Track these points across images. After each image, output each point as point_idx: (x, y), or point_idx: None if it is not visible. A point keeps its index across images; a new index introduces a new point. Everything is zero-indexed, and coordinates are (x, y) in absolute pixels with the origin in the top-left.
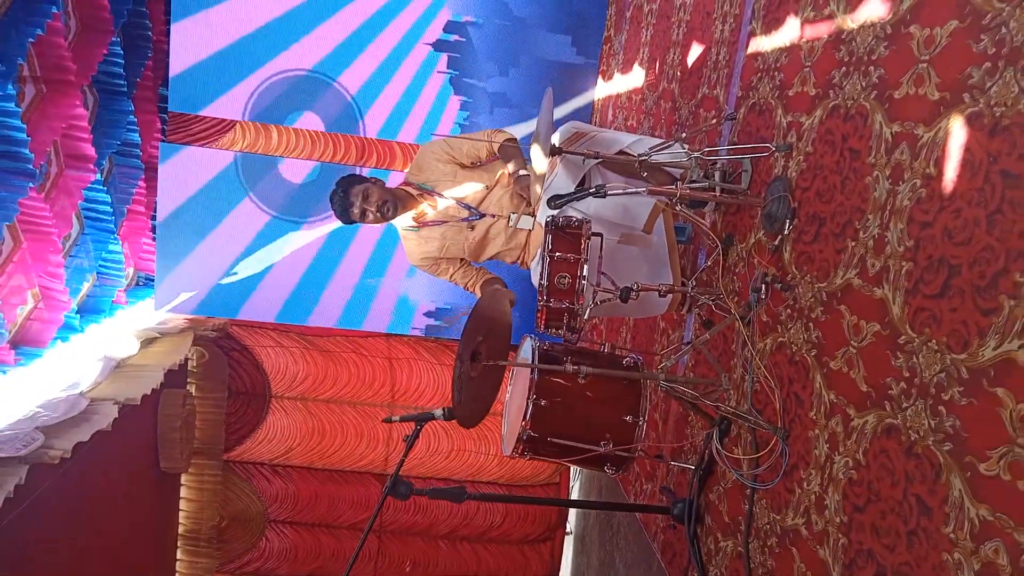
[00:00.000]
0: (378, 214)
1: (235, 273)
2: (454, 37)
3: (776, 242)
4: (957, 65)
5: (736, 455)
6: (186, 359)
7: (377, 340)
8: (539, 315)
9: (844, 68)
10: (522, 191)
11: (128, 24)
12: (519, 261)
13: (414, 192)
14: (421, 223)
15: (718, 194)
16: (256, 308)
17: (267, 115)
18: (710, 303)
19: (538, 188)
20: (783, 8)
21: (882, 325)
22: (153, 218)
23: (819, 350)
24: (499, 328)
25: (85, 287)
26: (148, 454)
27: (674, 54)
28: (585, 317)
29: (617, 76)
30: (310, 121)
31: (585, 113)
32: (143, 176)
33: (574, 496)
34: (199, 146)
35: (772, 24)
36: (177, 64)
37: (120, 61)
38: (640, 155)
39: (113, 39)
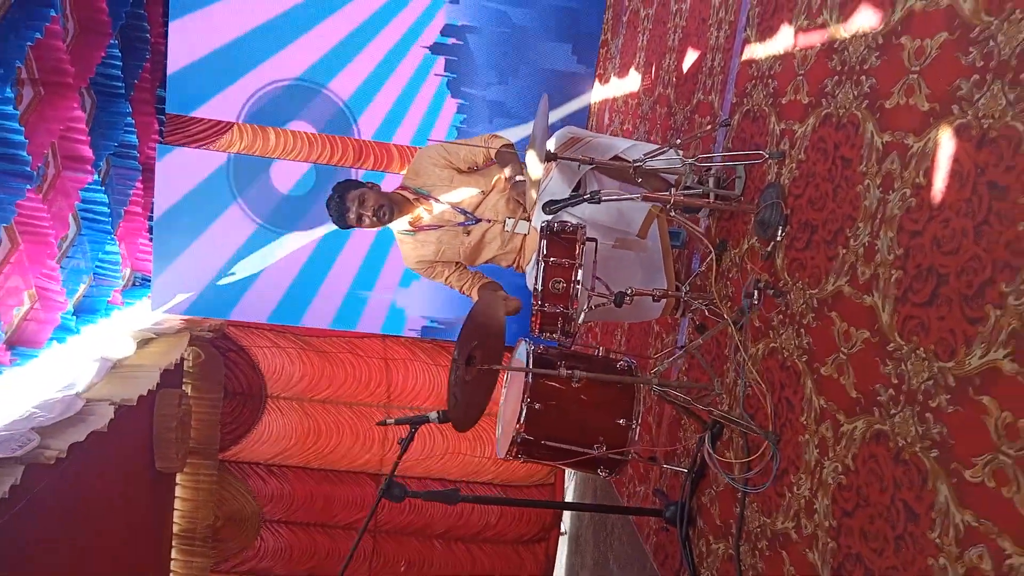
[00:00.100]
0: (374, 218)
1: (232, 274)
2: (451, 40)
3: (769, 248)
4: (946, 77)
5: (728, 459)
6: (182, 359)
7: (373, 341)
8: (534, 319)
9: (836, 77)
10: (518, 196)
11: (126, 26)
12: (515, 265)
13: (410, 196)
14: (417, 227)
15: (712, 200)
16: (248, 309)
17: (261, 121)
18: (703, 308)
19: (533, 193)
20: (777, 16)
21: (872, 332)
22: (150, 218)
23: (810, 356)
24: (493, 332)
25: (81, 288)
26: (144, 454)
27: (670, 59)
28: (580, 321)
29: (614, 80)
30: (302, 128)
31: (581, 117)
32: (140, 177)
33: (569, 496)
34: (196, 148)
35: (766, 32)
36: (175, 62)
37: (118, 63)
38: (635, 161)
39: (111, 41)
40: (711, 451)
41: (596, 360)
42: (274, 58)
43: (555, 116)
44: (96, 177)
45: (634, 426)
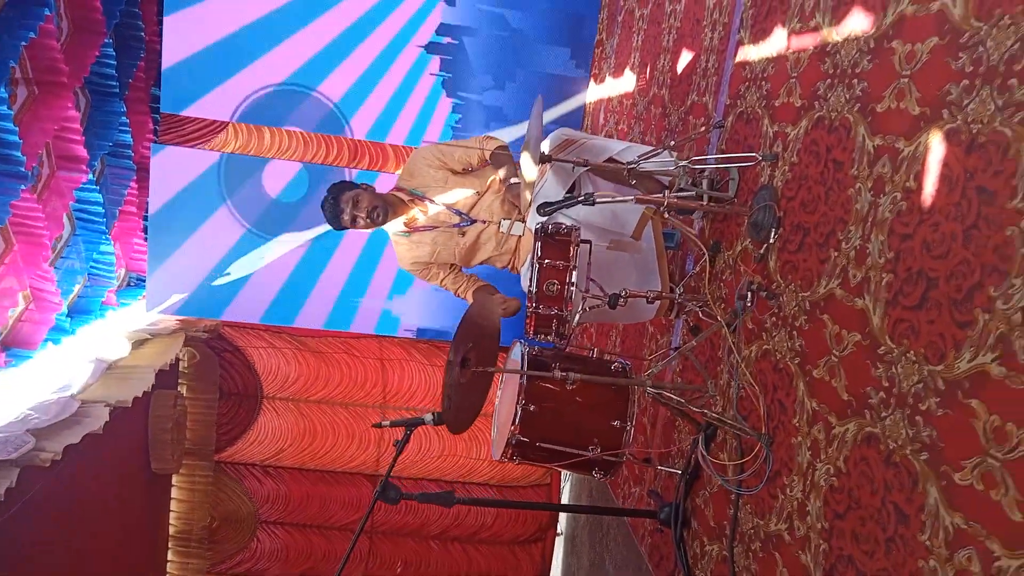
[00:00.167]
0: (368, 220)
1: (228, 274)
2: (446, 40)
3: (762, 250)
4: (937, 81)
5: (722, 460)
6: (177, 360)
7: (369, 341)
8: (528, 321)
9: (829, 80)
10: (513, 198)
11: (120, 25)
12: (509, 266)
13: (405, 198)
14: (412, 228)
15: (705, 203)
16: (241, 310)
17: (255, 121)
18: (697, 309)
19: (528, 194)
20: (770, 19)
21: (863, 335)
22: (145, 218)
23: (802, 358)
24: (488, 335)
25: (76, 288)
26: (139, 455)
27: (664, 60)
28: (574, 323)
29: (609, 80)
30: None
31: (577, 116)
32: (135, 177)
33: (565, 497)
34: (190, 147)
35: (760, 34)
36: (169, 58)
37: (112, 62)
38: (629, 163)
39: (105, 40)
40: (705, 453)
41: (591, 362)
42: (268, 55)
43: (551, 116)
44: (91, 177)
45: (628, 428)
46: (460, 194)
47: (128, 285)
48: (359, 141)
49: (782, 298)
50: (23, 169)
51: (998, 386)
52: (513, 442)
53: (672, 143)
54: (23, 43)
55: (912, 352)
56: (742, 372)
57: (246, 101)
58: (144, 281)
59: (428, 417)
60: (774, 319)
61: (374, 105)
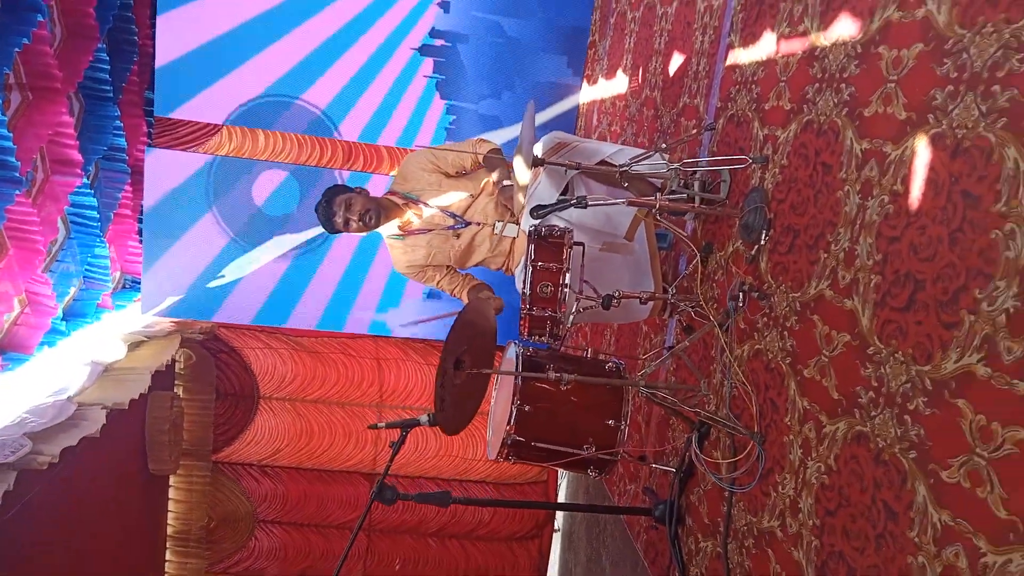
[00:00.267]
0: (360, 223)
1: (222, 276)
2: (438, 42)
3: (753, 252)
4: (922, 87)
5: (715, 458)
6: (173, 361)
7: (365, 341)
8: (522, 322)
9: (817, 84)
10: (506, 200)
11: (113, 29)
12: (504, 268)
13: (399, 201)
14: (407, 232)
15: (696, 205)
16: (232, 312)
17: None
18: (690, 310)
19: (521, 197)
20: (760, 23)
21: (852, 336)
22: (139, 221)
23: (793, 358)
24: (484, 336)
25: (72, 291)
26: (136, 456)
27: (656, 62)
28: (568, 325)
29: (602, 81)
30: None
31: (570, 117)
32: (129, 180)
33: (561, 493)
34: (183, 150)
35: (749, 38)
36: (163, 56)
37: (106, 67)
38: (621, 166)
39: (99, 45)
40: (698, 451)
41: (585, 362)
42: (261, 55)
43: (545, 117)
44: (85, 181)
45: (623, 427)
46: (454, 197)
47: (123, 287)
48: (353, 143)
49: (773, 299)
50: (17, 174)
51: (983, 386)
52: (509, 442)
53: (664, 145)
54: (16, 49)
55: (900, 353)
56: (735, 371)
57: (238, 109)
58: (139, 283)
59: (424, 418)
60: (765, 319)
61: (365, 108)
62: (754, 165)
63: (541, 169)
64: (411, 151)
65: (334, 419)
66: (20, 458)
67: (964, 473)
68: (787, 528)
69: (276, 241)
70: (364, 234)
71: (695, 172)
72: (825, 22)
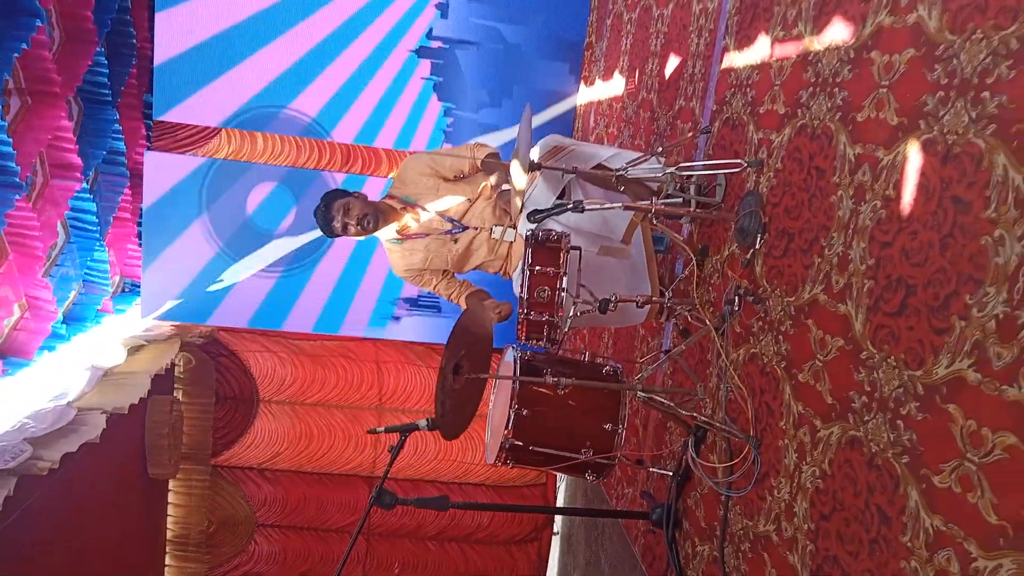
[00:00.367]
0: (358, 227)
1: (220, 280)
2: (435, 44)
3: (748, 255)
4: (914, 92)
5: (712, 462)
6: (173, 365)
7: (365, 344)
8: (520, 327)
9: (811, 88)
10: (504, 204)
11: (112, 32)
12: (502, 271)
13: (397, 205)
14: (405, 236)
15: (692, 209)
16: (227, 315)
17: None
18: (686, 313)
19: (518, 201)
20: (755, 26)
21: (845, 340)
22: (139, 224)
23: (788, 362)
24: (481, 342)
25: (71, 295)
26: (136, 461)
27: (652, 64)
28: (565, 329)
29: (598, 83)
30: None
31: (568, 119)
32: (128, 183)
33: (559, 496)
34: (182, 153)
35: (744, 41)
36: (162, 54)
37: (104, 71)
38: (617, 170)
39: (97, 49)
40: (695, 456)
41: (583, 365)
42: (258, 54)
43: (543, 119)
44: (84, 185)
45: (620, 431)
46: (452, 201)
47: (123, 291)
48: (352, 146)
49: (768, 303)
50: (17, 179)
51: (974, 392)
52: (507, 446)
53: (660, 149)
54: (16, 55)
55: (892, 357)
56: (730, 375)
57: (233, 114)
58: (139, 287)
59: (422, 423)
60: (761, 323)
61: (359, 112)
62: (749, 168)
63: (538, 173)
64: (410, 153)
65: (334, 422)
66: (20, 463)
67: (955, 478)
68: (782, 532)
69: (274, 245)
70: (362, 238)
71: (691, 176)
72: (818, 26)
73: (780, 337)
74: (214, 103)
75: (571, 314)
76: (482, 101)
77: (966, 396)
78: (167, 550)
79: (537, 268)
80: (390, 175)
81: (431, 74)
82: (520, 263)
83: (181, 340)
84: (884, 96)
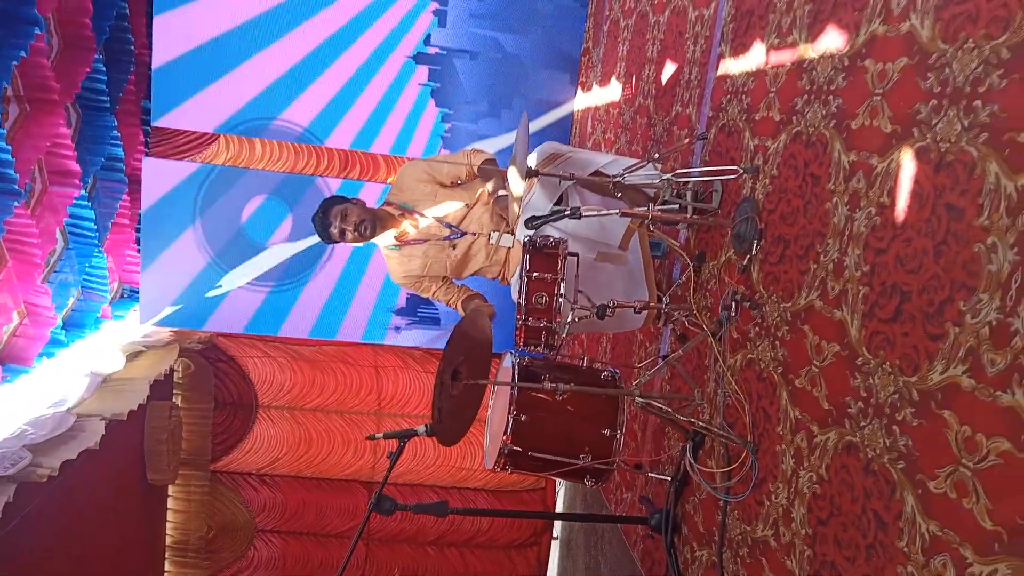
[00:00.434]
0: (355, 233)
1: (219, 286)
2: (432, 50)
3: (745, 261)
4: (907, 100)
5: (710, 467)
6: (171, 370)
7: (363, 349)
8: (518, 333)
9: (806, 96)
10: (501, 210)
11: (110, 39)
12: (500, 277)
13: (395, 212)
14: (403, 242)
15: (689, 216)
16: (225, 321)
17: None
18: (684, 319)
19: (516, 207)
20: (750, 34)
21: (841, 346)
22: (138, 230)
23: (785, 368)
24: (480, 347)
25: (70, 302)
26: (135, 467)
27: (649, 70)
28: (563, 335)
29: (596, 88)
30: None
31: (565, 124)
32: (127, 189)
33: (559, 500)
34: (180, 159)
35: (740, 48)
36: (160, 57)
37: (103, 77)
38: (614, 176)
39: (96, 56)
40: (692, 462)
41: (581, 371)
42: (256, 58)
43: (540, 124)
44: (83, 192)
45: (619, 436)
46: (449, 207)
47: (122, 297)
48: (350, 152)
49: (765, 308)
50: (16, 186)
51: (968, 398)
52: (505, 452)
53: (657, 155)
54: (14, 63)
55: (888, 363)
56: (728, 381)
57: (229, 125)
58: (137, 293)
59: (421, 429)
60: (758, 329)
61: (355, 119)
62: (745, 175)
63: (535, 180)
64: (407, 159)
65: (333, 427)
66: (20, 470)
67: (951, 484)
68: (780, 537)
69: (271, 252)
70: (360, 244)
71: (687, 182)
72: (813, 34)
73: (777, 343)
74: (210, 108)
75: (569, 320)
76: (479, 107)
77: (960, 402)
78: (166, 556)
79: (535, 274)
80: (388, 180)
81: (428, 80)
82: (518, 269)
83: (180, 346)
84: (878, 104)
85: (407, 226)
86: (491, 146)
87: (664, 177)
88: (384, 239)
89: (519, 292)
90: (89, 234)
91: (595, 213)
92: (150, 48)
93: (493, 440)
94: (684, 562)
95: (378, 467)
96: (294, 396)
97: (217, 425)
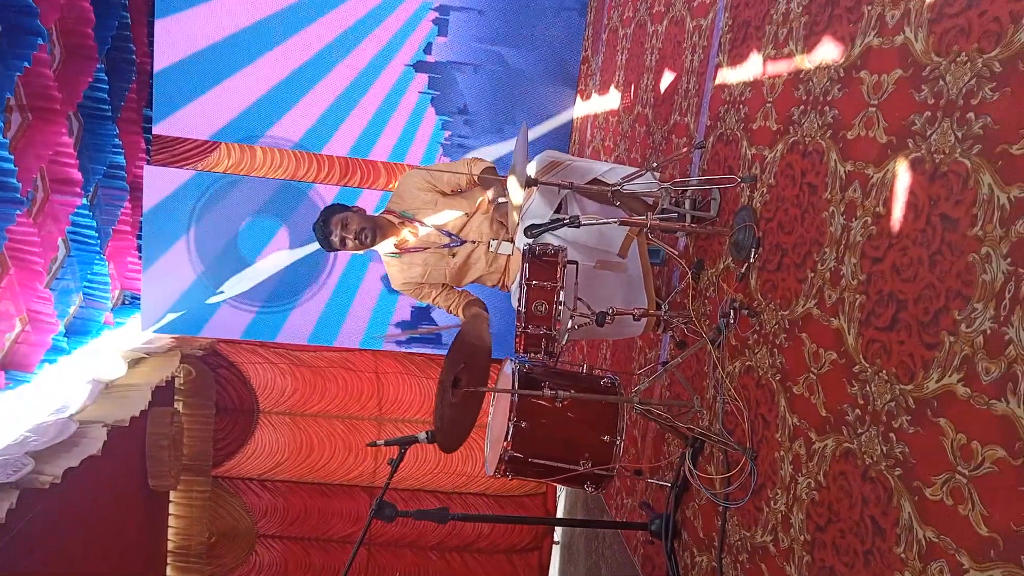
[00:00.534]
0: (356, 241)
1: (221, 292)
2: (430, 58)
3: (743, 269)
4: (902, 111)
5: (709, 473)
6: (173, 376)
7: (365, 355)
8: (518, 340)
9: (802, 106)
10: (501, 218)
11: (112, 48)
12: (500, 284)
13: (395, 220)
14: (403, 250)
15: (687, 224)
16: (221, 326)
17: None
18: (683, 326)
19: (516, 215)
20: (747, 44)
21: (839, 354)
22: (139, 237)
23: (783, 375)
24: (479, 354)
25: (72, 309)
26: (137, 473)
27: (648, 79)
28: (563, 342)
29: (595, 96)
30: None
31: (564, 132)
32: (128, 197)
33: (560, 505)
34: (181, 167)
35: (737, 58)
36: (160, 61)
37: (105, 86)
38: (613, 185)
39: (98, 65)
40: (692, 468)
41: (581, 377)
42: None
43: (540, 131)
44: (84, 201)
45: (618, 442)
46: (449, 215)
47: (123, 304)
48: (350, 159)
49: (763, 316)
50: (18, 195)
51: (963, 406)
52: (506, 458)
53: (655, 164)
54: (18, 73)
55: (884, 371)
56: (726, 388)
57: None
58: (139, 300)
59: (422, 436)
60: (756, 336)
61: (354, 124)
62: (743, 184)
63: (535, 188)
64: (407, 166)
65: (334, 433)
66: (22, 477)
67: (947, 491)
68: (779, 543)
69: (273, 258)
70: (361, 252)
71: (686, 191)
72: (809, 46)
73: (775, 350)
74: (211, 112)
75: (569, 327)
76: (479, 114)
77: (956, 410)
78: (168, 561)
79: (535, 282)
80: (389, 187)
81: (428, 88)
82: (518, 277)
83: (181, 352)
84: (873, 115)
85: (407, 234)
86: (491, 154)
87: (663, 186)
88: (384, 247)
89: (519, 300)
90: (91, 241)
91: (594, 221)
92: (151, 55)
93: (494, 446)
94: (684, 567)
95: (379, 472)
96: (295, 402)
97: (218, 431)
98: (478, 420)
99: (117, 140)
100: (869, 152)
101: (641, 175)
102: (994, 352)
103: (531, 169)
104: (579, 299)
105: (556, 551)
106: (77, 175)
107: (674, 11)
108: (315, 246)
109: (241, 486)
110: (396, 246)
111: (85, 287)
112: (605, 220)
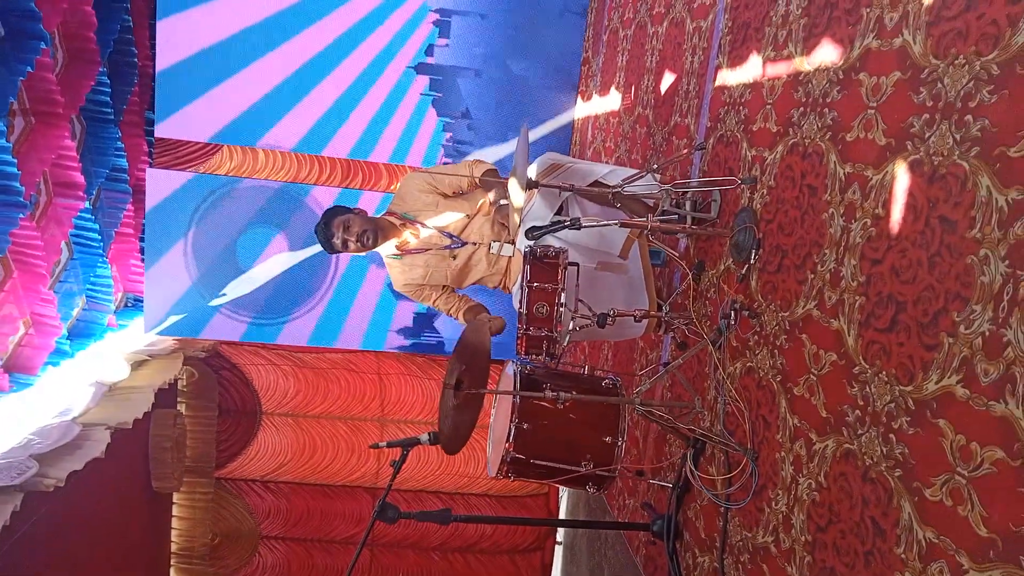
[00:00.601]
0: (358, 243)
1: (224, 295)
2: (430, 59)
3: (744, 270)
4: (901, 114)
5: (711, 474)
6: (175, 379)
7: (367, 356)
8: (519, 342)
9: (802, 108)
10: (502, 220)
11: (114, 52)
12: (501, 286)
13: (397, 222)
14: (404, 251)
15: (688, 225)
16: (223, 328)
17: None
18: (684, 327)
19: (517, 217)
20: (747, 46)
21: (839, 355)
22: (141, 239)
23: (783, 376)
24: (480, 357)
25: (75, 311)
26: (140, 475)
27: (648, 80)
28: (564, 344)
29: (596, 98)
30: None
31: (565, 133)
32: (131, 200)
33: (562, 506)
34: (183, 170)
35: (737, 60)
36: (163, 61)
37: (107, 89)
38: (614, 187)
39: (100, 69)
40: (693, 469)
41: (582, 379)
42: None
43: (541, 132)
44: (87, 204)
45: (620, 443)
46: (451, 217)
47: (126, 306)
48: (352, 161)
49: (763, 317)
50: (22, 199)
51: (963, 407)
52: (508, 459)
53: (656, 166)
54: (21, 77)
55: (884, 373)
56: (727, 389)
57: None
58: (141, 302)
59: (424, 437)
60: (756, 337)
61: (355, 126)
62: (743, 185)
63: (536, 191)
64: (409, 168)
65: (337, 434)
66: (26, 480)
67: (946, 491)
68: (781, 544)
69: (275, 259)
70: (362, 254)
71: (686, 192)
72: (808, 48)
73: (776, 351)
74: (213, 113)
75: (570, 329)
76: (480, 116)
77: (955, 411)
78: (171, 563)
79: (536, 284)
80: (390, 188)
81: (429, 90)
82: (519, 278)
83: (184, 354)
84: (872, 117)
85: (408, 236)
86: (492, 156)
87: (664, 187)
88: (386, 248)
89: (520, 302)
90: (93, 244)
91: (595, 223)
92: (153, 57)
93: (496, 447)
94: (686, 568)
95: (382, 473)
96: (298, 403)
97: (221, 432)
98: (480, 421)
99: (119, 143)
100: (868, 154)
101: (642, 177)
102: (993, 354)
103: (532, 171)
104: (580, 301)
105: (559, 552)
106: (80, 178)
107: (674, 13)
108: (316, 248)
109: (244, 487)
110: (398, 248)
111: (88, 290)
112: (606, 222)
